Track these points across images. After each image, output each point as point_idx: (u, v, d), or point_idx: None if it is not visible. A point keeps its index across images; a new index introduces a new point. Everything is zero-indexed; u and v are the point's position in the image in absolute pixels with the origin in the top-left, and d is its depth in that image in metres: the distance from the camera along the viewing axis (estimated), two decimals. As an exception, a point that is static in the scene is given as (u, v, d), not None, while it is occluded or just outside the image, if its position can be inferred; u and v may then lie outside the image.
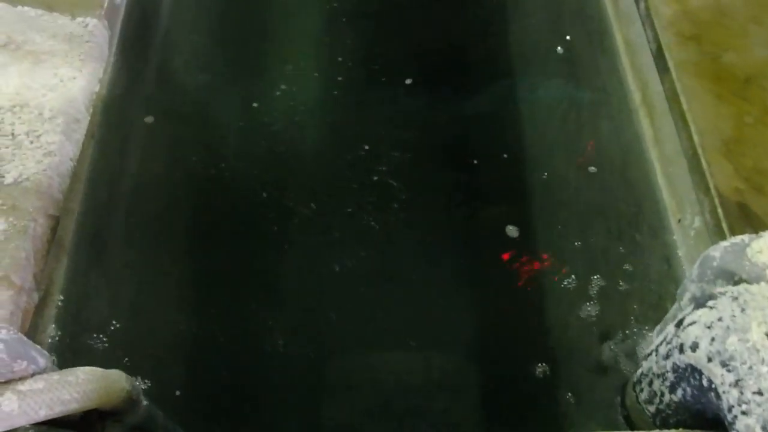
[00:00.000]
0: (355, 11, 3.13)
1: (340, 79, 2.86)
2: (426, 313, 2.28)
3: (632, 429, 1.86)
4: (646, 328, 2.10)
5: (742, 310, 1.35)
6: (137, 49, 2.76)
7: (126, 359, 2.17)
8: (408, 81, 2.84)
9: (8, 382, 1.47)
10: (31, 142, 2.05)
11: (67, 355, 2.07)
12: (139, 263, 2.39)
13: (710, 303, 1.43)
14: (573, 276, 2.25)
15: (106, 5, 2.45)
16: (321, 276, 2.35)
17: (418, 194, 2.52)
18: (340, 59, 2.92)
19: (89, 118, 2.29)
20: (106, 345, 2.24)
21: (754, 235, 1.57)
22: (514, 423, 2.11)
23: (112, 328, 2.27)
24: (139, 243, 2.45)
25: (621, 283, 2.22)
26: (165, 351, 2.26)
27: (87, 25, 2.35)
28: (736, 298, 1.39)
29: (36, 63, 2.24)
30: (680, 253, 2.16)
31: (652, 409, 1.68)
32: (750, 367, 1.28)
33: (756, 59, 2.23)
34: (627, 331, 2.12)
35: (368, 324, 2.27)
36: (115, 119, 2.55)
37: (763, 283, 1.46)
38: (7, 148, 2.03)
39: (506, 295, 2.30)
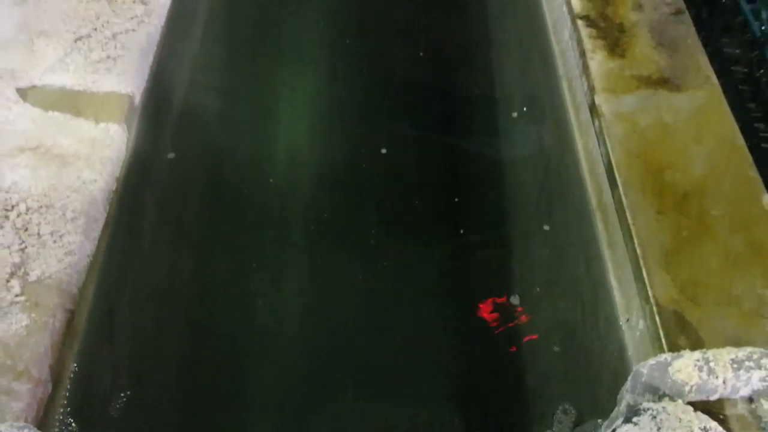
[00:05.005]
0: None
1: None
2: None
3: None
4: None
5: (658, 429, 1.63)
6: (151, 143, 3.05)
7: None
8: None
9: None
10: (54, 242, 2.31)
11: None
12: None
13: (635, 419, 1.71)
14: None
15: (126, 110, 2.73)
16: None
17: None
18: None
19: (105, 215, 2.56)
20: (113, 419, 2.50)
21: (676, 354, 1.86)
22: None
23: (119, 402, 2.54)
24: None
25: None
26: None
27: (109, 131, 2.62)
28: (654, 417, 1.67)
29: (62, 166, 2.51)
30: (629, 351, 2.44)
31: (592, 499, 1.95)
32: (661, 480, 1.56)
33: (694, 176, 2.54)
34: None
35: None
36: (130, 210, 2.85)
37: (680, 402, 1.75)
38: (33, 247, 2.29)
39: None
